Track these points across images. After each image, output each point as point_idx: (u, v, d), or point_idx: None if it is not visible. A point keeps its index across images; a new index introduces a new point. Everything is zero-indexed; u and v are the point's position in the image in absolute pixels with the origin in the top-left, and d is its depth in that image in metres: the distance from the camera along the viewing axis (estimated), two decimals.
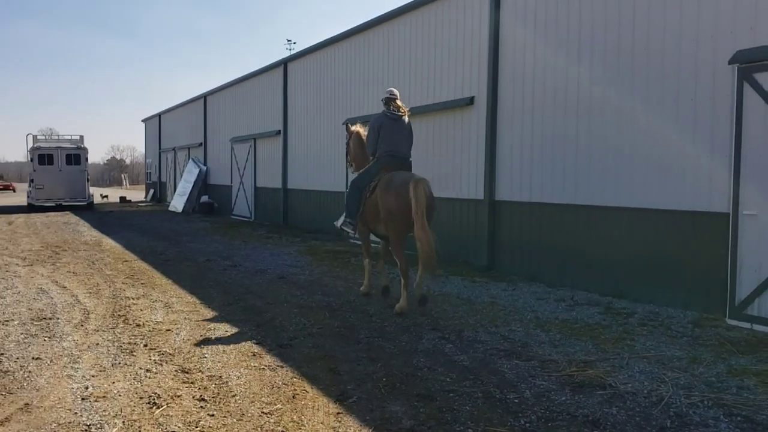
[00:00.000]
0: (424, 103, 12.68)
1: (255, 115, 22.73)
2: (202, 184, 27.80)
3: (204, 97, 28.87)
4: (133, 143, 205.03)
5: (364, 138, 9.02)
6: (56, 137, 31.75)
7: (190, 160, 29.68)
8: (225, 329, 6.92)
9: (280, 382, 5.22)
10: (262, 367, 5.61)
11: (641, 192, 8.39)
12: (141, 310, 7.86)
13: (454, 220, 11.87)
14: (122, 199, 38.05)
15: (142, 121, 42.88)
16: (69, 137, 30.67)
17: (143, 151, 46.99)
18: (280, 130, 20.21)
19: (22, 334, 6.63)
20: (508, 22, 10.62)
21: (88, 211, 27.62)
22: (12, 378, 5.24)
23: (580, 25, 9.27)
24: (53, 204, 28.38)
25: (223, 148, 25.92)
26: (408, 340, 6.50)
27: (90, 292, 8.96)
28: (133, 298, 8.54)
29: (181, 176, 30.31)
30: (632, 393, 5.00)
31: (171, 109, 35.36)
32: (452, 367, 5.64)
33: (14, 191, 61.82)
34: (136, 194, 50.76)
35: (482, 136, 11.14)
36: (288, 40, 62.81)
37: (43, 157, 28.04)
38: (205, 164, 28.39)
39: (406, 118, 8.64)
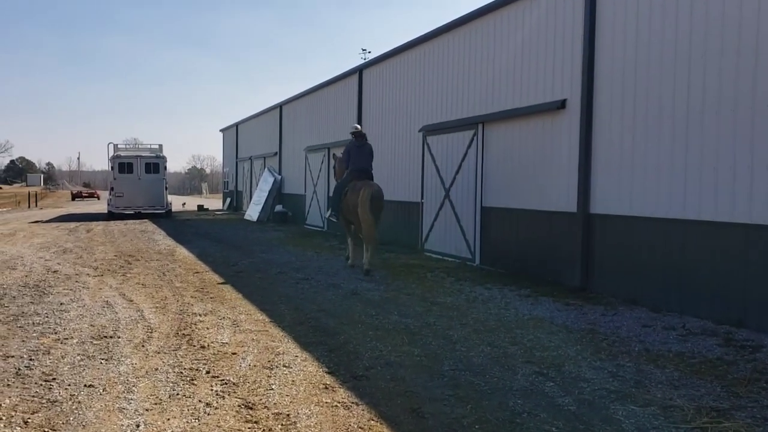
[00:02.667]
0: (509, 107, 11.81)
1: (329, 124, 22.33)
2: (277, 193, 27.66)
3: (280, 106, 28.79)
4: (213, 153, 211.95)
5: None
6: (136, 146, 32.41)
7: (266, 169, 29.65)
8: (294, 353, 6.28)
9: (356, 425, 4.48)
10: (335, 403, 4.90)
11: (763, 206, 7.26)
12: (207, 328, 7.33)
13: (542, 235, 10.92)
14: (200, 207, 38.57)
15: (221, 131, 43.54)
16: (149, 146, 31.24)
17: (222, 160, 47.75)
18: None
19: (79, 354, 6.16)
20: (607, 13, 9.63)
21: (165, 219, 27.95)
22: (59, 410, 4.70)
23: (692, 16, 8.20)
24: (132, 212, 28.86)
25: (298, 157, 25.67)
26: (500, 375, 5.65)
27: (156, 307, 8.53)
28: (200, 315, 8.05)
29: (257, 185, 30.33)
30: None
31: (248, 118, 35.63)
32: (556, 412, 4.76)
33: (98, 198, 64.12)
34: (215, 203, 51.68)
35: (575, 143, 10.16)
36: (363, 50, 62.55)
37: (123, 165, 28.56)
38: (279, 173, 28.27)
39: (368, 144, 12.80)
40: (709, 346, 6.72)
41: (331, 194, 21.59)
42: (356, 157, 12.58)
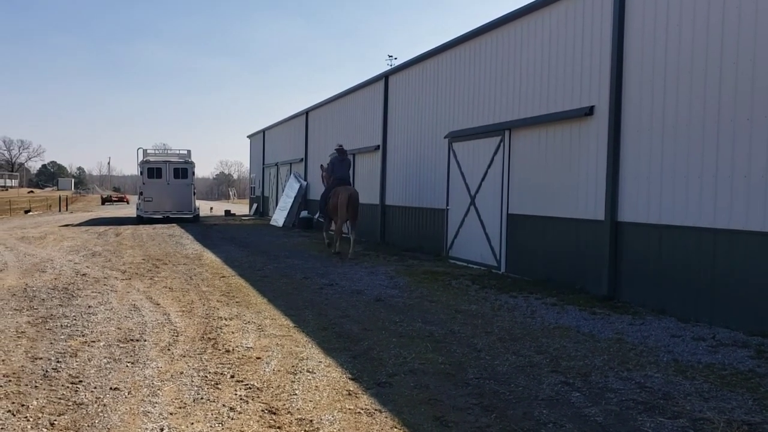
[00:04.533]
0: (536, 114, 11.71)
1: (355, 130, 22.38)
2: (302, 199, 27.77)
3: (306, 112, 28.95)
4: (240, 159, 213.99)
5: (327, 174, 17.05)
6: (165, 152, 32.76)
7: (291, 175, 29.79)
8: (318, 359, 6.27)
9: None
10: (358, 410, 4.87)
11: None
12: (232, 332, 7.37)
13: (568, 243, 10.79)
14: (227, 212, 38.90)
15: (248, 137, 43.88)
16: (177, 152, 31.56)
17: (249, 166, 48.15)
18: (379, 145, 19.70)
19: (105, 357, 6.22)
20: (635, 18, 9.51)
21: (193, 224, 28.21)
22: (84, 412, 4.74)
23: (724, 20, 8.06)
24: (161, 216, 29.19)
25: (323, 163, 25.73)
26: (525, 384, 5.58)
27: (183, 311, 8.59)
28: (225, 319, 8.10)
29: (283, 191, 30.49)
30: None
31: (275, 125, 35.86)
32: (583, 423, 4.68)
33: (128, 203, 64.95)
34: (242, 208, 52.10)
35: (603, 150, 10.04)
36: (389, 56, 62.43)
37: (152, 170, 28.90)
38: (305, 179, 28.38)
39: (347, 158, 16.93)
40: (740, 357, 6.57)
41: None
42: (339, 169, 16.58)
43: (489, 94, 13.44)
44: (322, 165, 18.53)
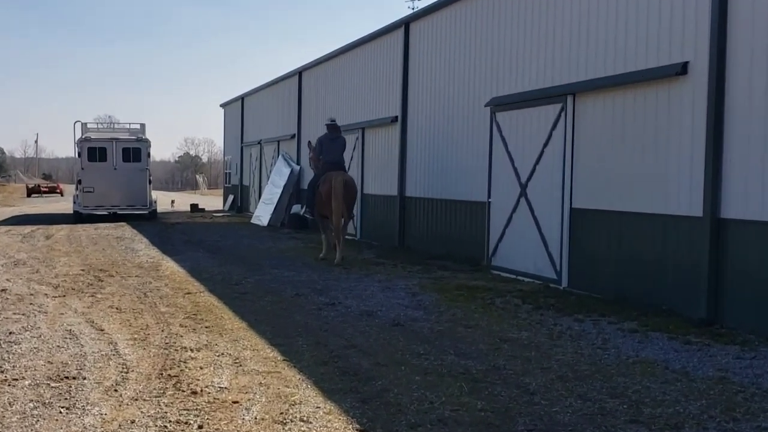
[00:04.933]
0: (606, 74, 11.68)
1: (364, 97, 22.46)
2: (294, 189, 27.85)
3: (298, 73, 29.04)
4: (211, 135, 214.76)
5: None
6: (111, 126, 32.97)
7: (280, 156, 29.93)
8: (315, 404, 6.32)
9: None
10: None
11: None
12: (201, 368, 7.43)
13: (653, 247, 10.75)
14: (194, 207, 39.07)
15: (221, 106, 44.11)
16: (127, 126, 31.77)
17: (222, 146, 48.43)
18: (396, 117, 19.75)
19: (32, 401, 6.28)
20: None
21: (149, 222, 28.43)
22: None
23: None
24: (106, 212, 29.44)
25: (313, 140, 25.79)
26: None
27: (134, 339, 8.67)
28: (191, 350, 8.17)
29: (268, 178, 30.62)
30: None
31: (257, 89, 36.04)
32: None
33: (61, 195, 65.57)
34: (213, 201, 52.43)
35: (701, 120, 10.00)
36: None
37: (93, 151, 29.01)
38: (298, 163, 28.48)
39: (341, 137, 17.39)
40: None
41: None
42: (329, 150, 16.89)
43: (545, 47, 13.40)
44: (309, 142, 18.83)
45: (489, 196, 15.04)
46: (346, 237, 17.32)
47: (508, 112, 14.35)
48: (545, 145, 13.19)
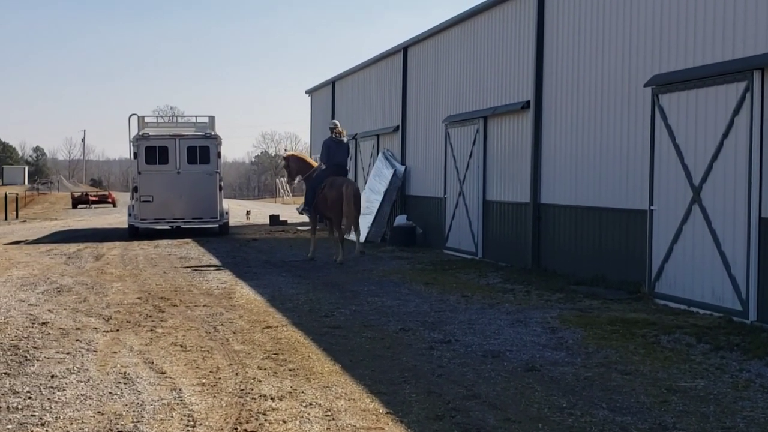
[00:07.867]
0: None
1: (486, 78, 22.35)
2: (398, 195, 27.89)
3: (403, 49, 29.07)
4: (294, 129, 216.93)
5: (302, 157, 24.58)
6: (174, 120, 33.53)
7: (380, 155, 30.02)
8: None
9: None
10: None
11: None
12: (283, 421, 7.57)
13: None
14: (274, 219, 39.50)
15: (307, 92, 44.63)
16: (193, 120, 32.32)
17: (308, 141, 48.95)
18: (528, 102, 19.65)
19: None
20: None
21: (219, 238, 28.93)
22: None
23: None
24: (167, 226, 30.12)
25: (433, 134, 26.00)
26: None
27: (202, 384, 8.85)
28: (272, 398, 8.32)
29: (365, 183, 30.73)
30: None
31: (350, 71, 36.32)
32: None
33: (114, 205, 67.14)
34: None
35: None
36: None
37: (152, 151, 29.56)
38: (403, 163, 28.52)
39: (345, 140, 23.17)
40: None
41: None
42: (335, 154, 22.29)
43: (724, 10, 13.09)
44: (285, 154, 26.56)
45: (651, 203, 14.76)
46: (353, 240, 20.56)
47: (676, 93, 14.06)
48: (725, 135, 12.88)
